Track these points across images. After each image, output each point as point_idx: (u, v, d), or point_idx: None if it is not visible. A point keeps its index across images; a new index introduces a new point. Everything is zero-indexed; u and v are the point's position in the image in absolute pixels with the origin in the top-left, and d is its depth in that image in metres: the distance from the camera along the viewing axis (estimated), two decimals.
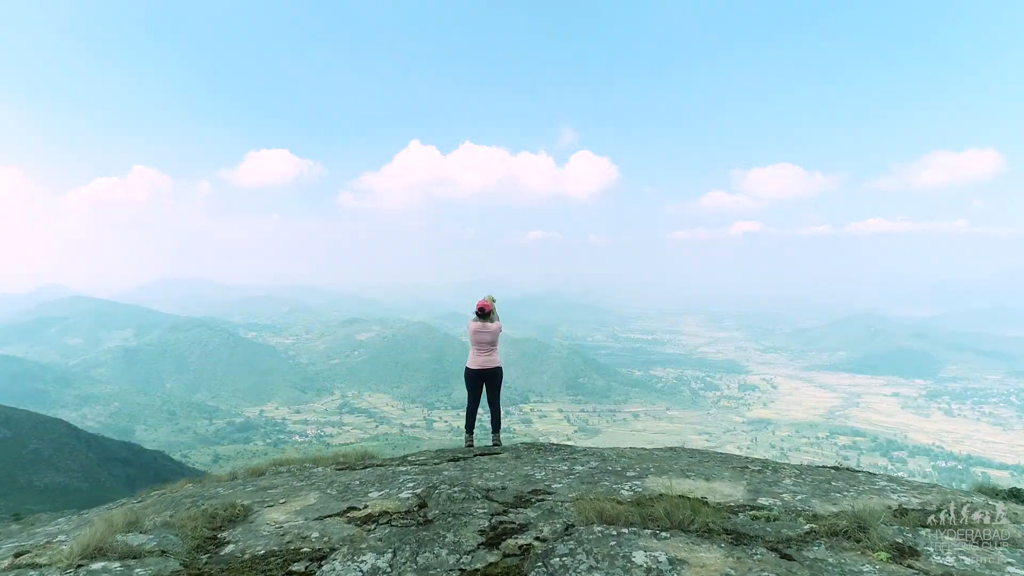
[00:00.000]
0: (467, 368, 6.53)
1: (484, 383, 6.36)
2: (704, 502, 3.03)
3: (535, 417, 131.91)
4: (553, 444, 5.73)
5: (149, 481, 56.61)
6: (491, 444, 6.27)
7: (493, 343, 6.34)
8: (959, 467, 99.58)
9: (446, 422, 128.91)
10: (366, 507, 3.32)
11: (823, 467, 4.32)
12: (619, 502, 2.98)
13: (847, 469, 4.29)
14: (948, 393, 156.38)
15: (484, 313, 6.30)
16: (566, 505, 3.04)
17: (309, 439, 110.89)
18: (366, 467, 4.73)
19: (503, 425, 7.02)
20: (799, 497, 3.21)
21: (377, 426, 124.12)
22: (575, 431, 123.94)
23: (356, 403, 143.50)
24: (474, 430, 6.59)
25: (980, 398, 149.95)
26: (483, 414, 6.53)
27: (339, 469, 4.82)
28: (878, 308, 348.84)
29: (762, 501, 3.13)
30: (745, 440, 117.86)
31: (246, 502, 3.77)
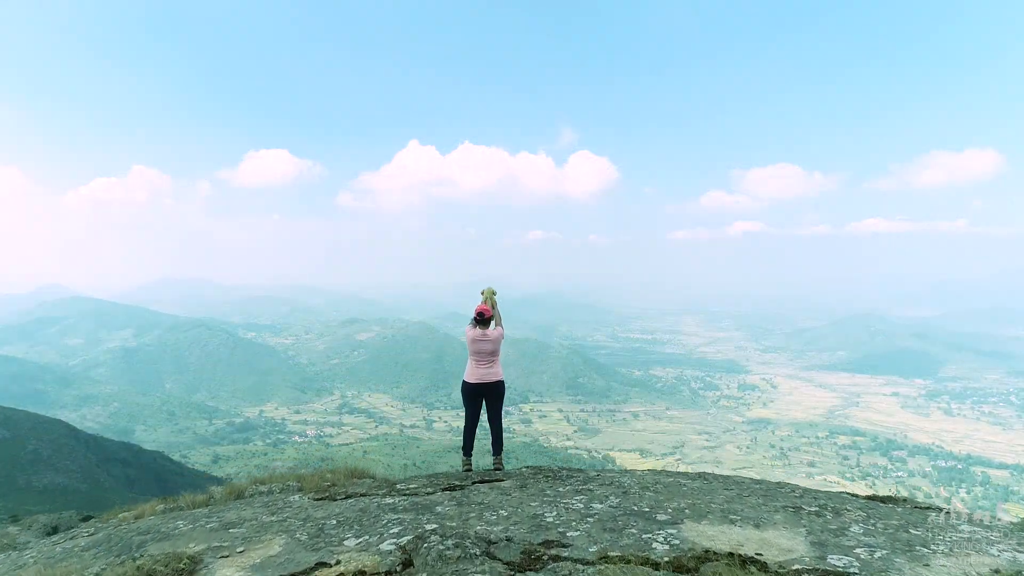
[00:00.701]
0: (464, 382, 5.70)
1: (484, 399, 5.59)
2: (762, 564, 2.37)
3: (535, 417, 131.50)
4: (563, 470, 4.96)
5: (148, 482, 56.03)
6: (492, 467, 5.56)
7: (494, 353, 5.57)
8: (959, 467, 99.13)
9: (446, 422, 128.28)
10: (338, 563, 2.68)
11: (884, 501, 3.64)
12: (656, 565, 2.32)
13: (909, 503, 3.61)
14: (948, 393, 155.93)
15: (483, 319, 5.54)
16: (589, 573, 2.30)
17: (309, 439, 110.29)
18: (348, 497, 4.06)
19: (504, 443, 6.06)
20: (878, 554, 2.52)
21: (377, 426, 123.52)
22: (575, 431, 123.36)
23: (356, 403, 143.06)
24: (472, 451, 5.79)
25: (980, 398, 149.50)
26: (484, 423, 5.82)
27: (318, 499, 4.15)
28: (878, 308, 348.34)
29: (834, 560, 2.44)
30: (745, 440, 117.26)
31: (199, 548, 3.14)
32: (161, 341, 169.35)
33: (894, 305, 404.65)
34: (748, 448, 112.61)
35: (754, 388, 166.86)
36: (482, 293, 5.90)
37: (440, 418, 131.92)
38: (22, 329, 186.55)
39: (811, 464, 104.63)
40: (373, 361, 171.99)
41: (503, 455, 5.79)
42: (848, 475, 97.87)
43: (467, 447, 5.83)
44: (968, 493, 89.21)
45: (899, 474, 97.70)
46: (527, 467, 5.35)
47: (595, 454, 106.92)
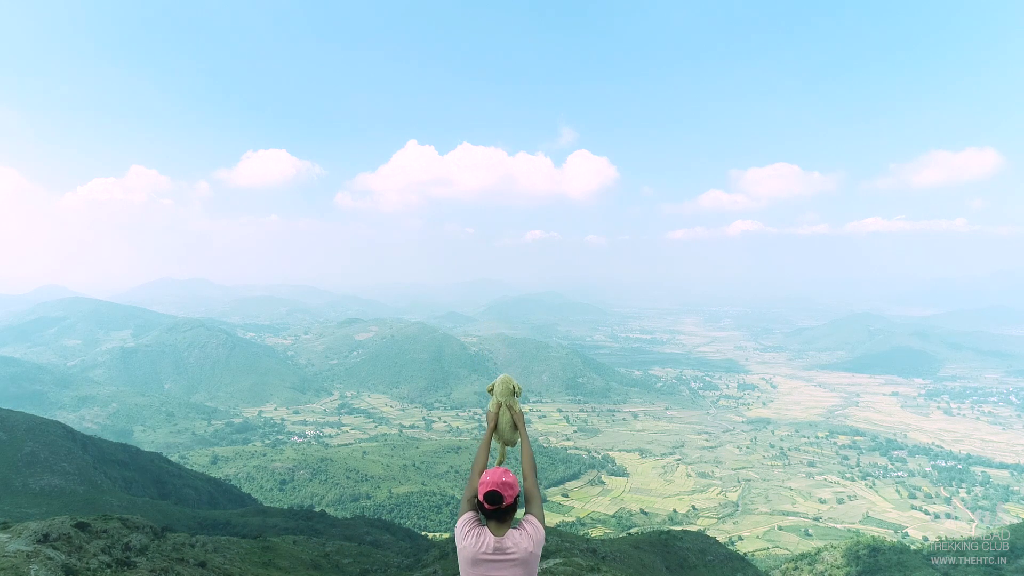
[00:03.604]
0: None
1: None
2: None
3: (534, 417, 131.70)
4: None
5: (146, 484, 55.72)
6: None
7: None
8: (959, 466, 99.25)
9: (445, 422, 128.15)
10: None
11: None
12: None
13: None
14: (947, 392, 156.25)
15: (500, 507, 2.77)
16: None
17: (308, 440, 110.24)
18: None
19: None
20: None
21: (376, 426, 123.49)
22: (574, 431, 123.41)
23: (355, 403, 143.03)
24: None
25: (979, 397, 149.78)
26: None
27: None
28: (877, 307, 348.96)
29: None
30: (745, 440, 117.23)
31: None
32: (160, 341, 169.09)
33: (893, 304, 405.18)
34: (748, 448, 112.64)
35: (754, 388, 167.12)
36: (489, 390, 3.40)
37: (439, 418, 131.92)
38: (20, 330, 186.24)
39: (811, 464, 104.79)
40: (372, 361, 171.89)
41: None
42: (848, 475, 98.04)
43: None
44: (968, 493, 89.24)
45: (899, 474, 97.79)
46: None
47: (595, 454, 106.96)
